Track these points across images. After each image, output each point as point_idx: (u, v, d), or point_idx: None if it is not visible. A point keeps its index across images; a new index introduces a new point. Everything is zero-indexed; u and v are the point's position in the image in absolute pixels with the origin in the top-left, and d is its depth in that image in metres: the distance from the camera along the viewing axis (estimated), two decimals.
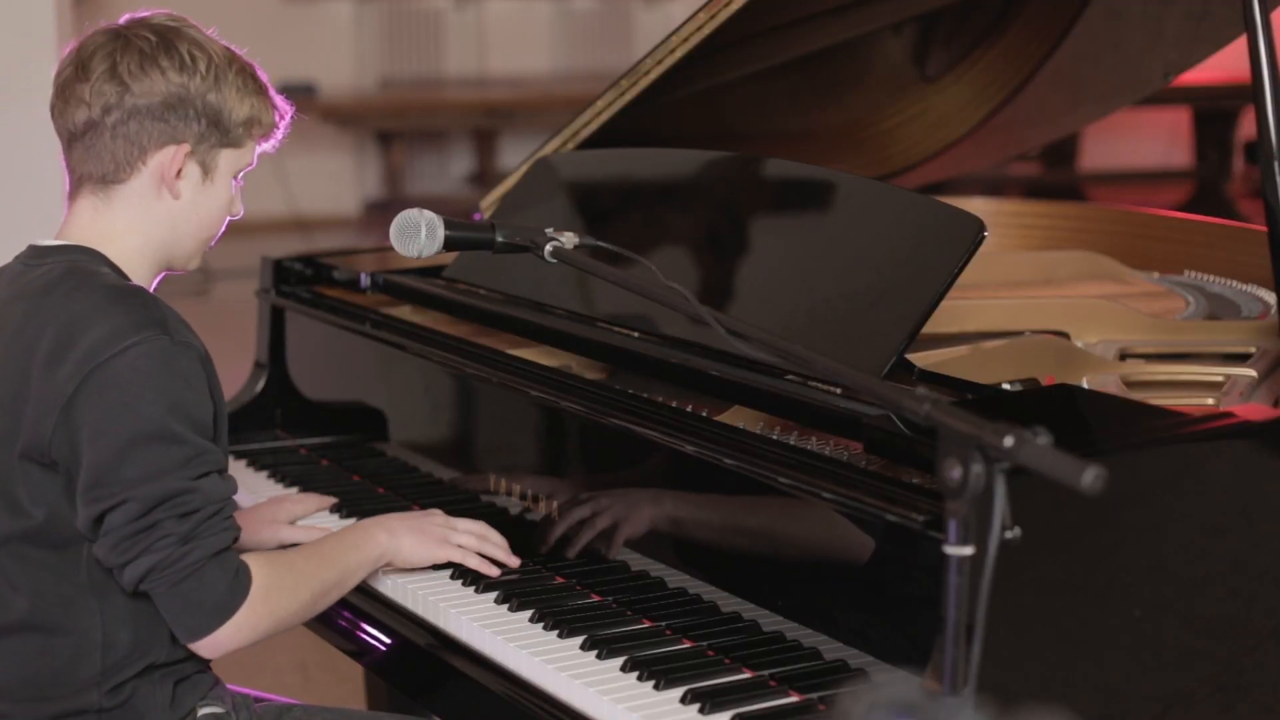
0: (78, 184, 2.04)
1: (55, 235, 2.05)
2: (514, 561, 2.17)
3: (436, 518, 2.20)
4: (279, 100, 2.11)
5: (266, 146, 2.11)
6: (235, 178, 2.08)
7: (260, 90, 2.06)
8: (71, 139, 2.02)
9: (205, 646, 1.93)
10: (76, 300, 1.93)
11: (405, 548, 2.14)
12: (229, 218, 2.10)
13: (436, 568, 2.19)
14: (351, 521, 2.37)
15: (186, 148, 2.00)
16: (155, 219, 2.03)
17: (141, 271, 2.04)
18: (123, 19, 2.03)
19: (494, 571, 2.15)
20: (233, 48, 2.06)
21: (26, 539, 1.94)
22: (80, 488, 1.89)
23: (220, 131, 2.01)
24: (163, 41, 1.99)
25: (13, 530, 1.94)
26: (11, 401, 1.94)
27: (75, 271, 1.97)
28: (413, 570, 2.19)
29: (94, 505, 1.88)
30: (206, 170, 2.03)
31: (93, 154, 2.00)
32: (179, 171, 2.00)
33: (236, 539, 1.94)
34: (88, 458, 1.88)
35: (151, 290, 2.03)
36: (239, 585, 1.91)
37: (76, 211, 2.04)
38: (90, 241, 2.01)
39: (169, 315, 1.94)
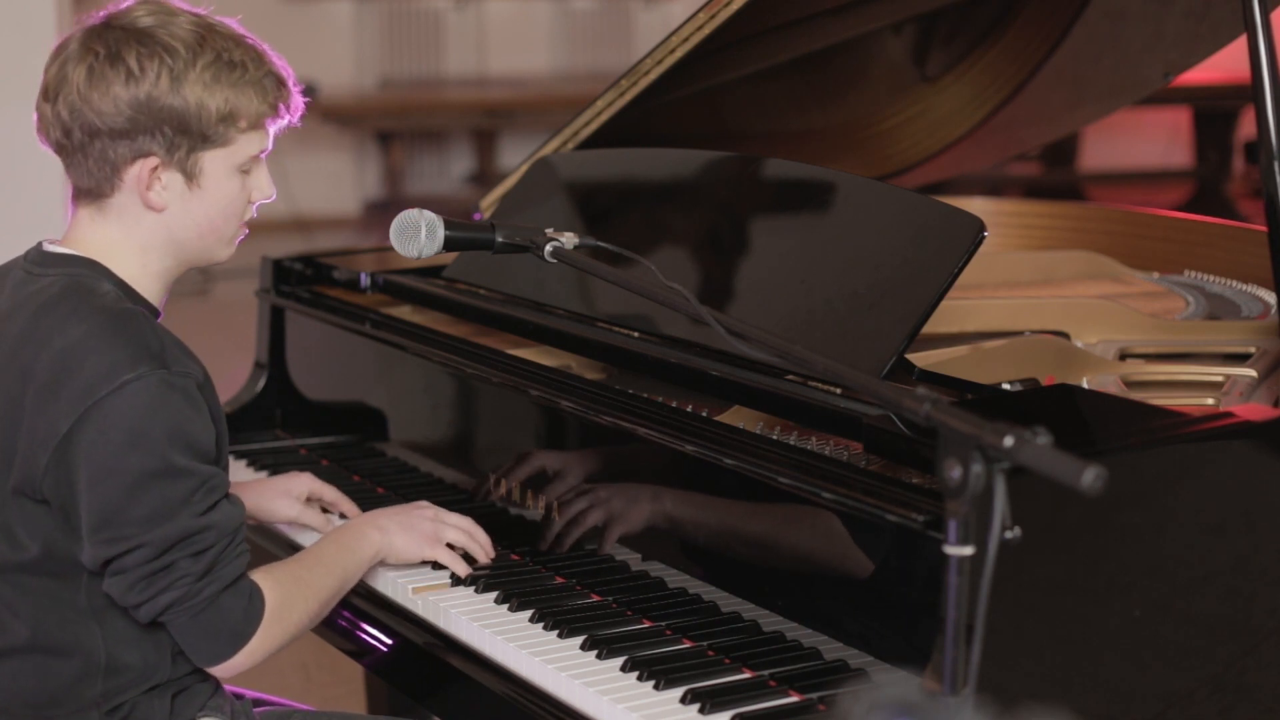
0: (75, 194, 1.98)
1: (62, 238, 2.00)
2: (485, 561, 2.18)
3: (426, 511, 2.20)
4: (283, 73, 1.97)
5: (282, 124, 1.98)
6: (248, 168, 1.96)
7: (240, 79, 1.91)
8: (57, 153, 1.97)
9: (221, 669, 1.93)
10: (73, 327, 1.87)
11: (398, 545, 2.15)
12: (259, 202, 2.00)
13: (436, 567, 2.19)
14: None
15: (154, 160, 1.91)
16: (149, 229, 1.95)
17: (149, 281, 1.97)
18: (100, 14, 1.93)
19: (470, 569, 2.16)
20: (214, 29, 1.92)
21: (23, 569, 1.92)
22: (87, 529, 1.85)
23: (192, 135, 1.90)
24: (110, 52, 1.88)
25: (9, 561, 1.92)
26: (5, 431, 1.90)
27: (75, 290, 1.91)
28: (413, 570, 2.19)
29: (105, 548, 1.85)
30: (190, 176, 1.92)
31: (75, 171, 1.95)
32: (150, 184, 1.91)
33: (248, 562, 1.93)
34: (91, 499, 1.84)
35: (163, 297, 1.99)
36: (254, 610, 1.91)
37: (77, 221, 1.99)
38: (93, 252, 1.95)
39: (167, 343, 1.89)
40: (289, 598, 1.96)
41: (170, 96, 1.88)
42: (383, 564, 2.17)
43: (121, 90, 1.88)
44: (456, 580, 2.16)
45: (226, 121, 1.91)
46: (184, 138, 1.90)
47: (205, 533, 1.86)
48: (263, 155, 1.99)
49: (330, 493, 2.38)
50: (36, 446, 1.86)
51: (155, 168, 1.91)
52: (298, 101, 2.00)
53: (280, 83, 1.97)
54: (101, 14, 1.94)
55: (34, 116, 1.98)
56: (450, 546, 2.18)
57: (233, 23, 1.97)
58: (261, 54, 1.96)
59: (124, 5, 1.95)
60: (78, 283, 1.93)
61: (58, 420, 1.84)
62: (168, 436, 1.84)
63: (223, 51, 1.91)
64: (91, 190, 1.95)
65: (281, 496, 2.34)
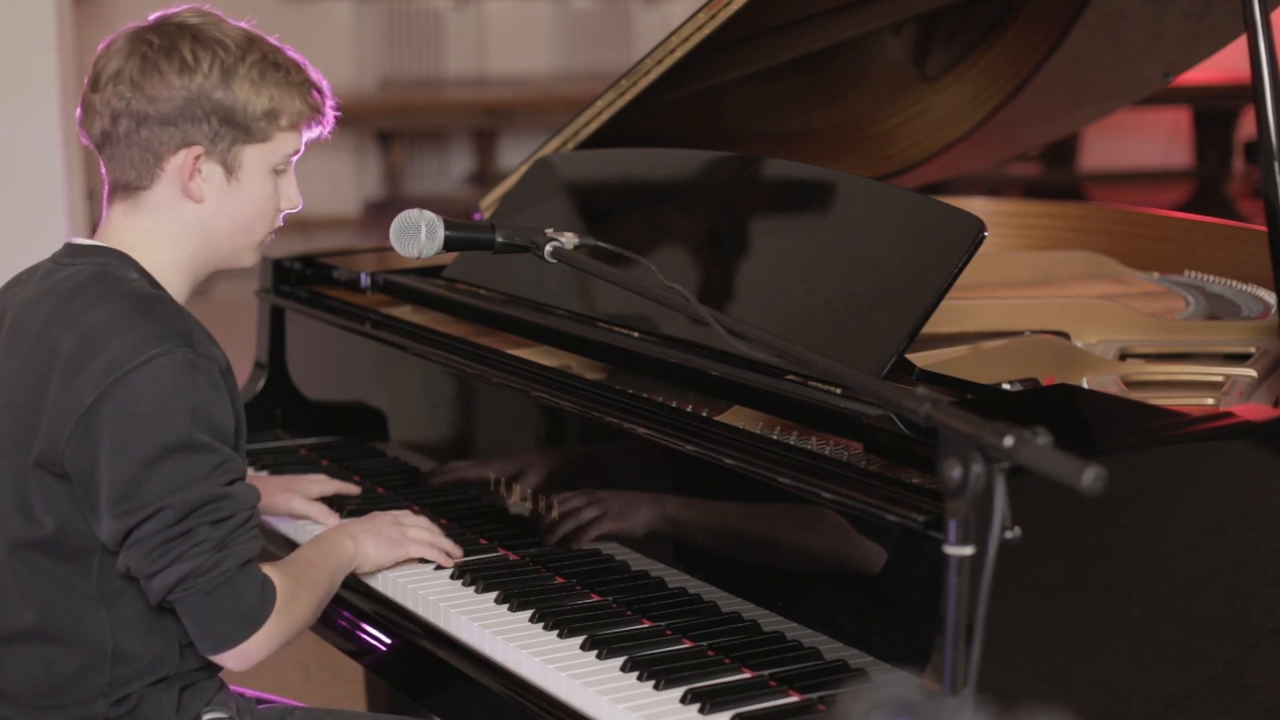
0: (112, 190, 2.02)
1: (95, 234, 2.04)
2: (458, 552, 2.22)
3: (386, 517, 2.23)
4: (322, 84, 2.04)
5: (317, 132, 2.04)
6: (281, 170, 2.02)
7: (285, 79, 1.99)
8: (98, 148, 2.00)
9: (235, 657, 1.92)
10: (100, 308, 1.90)
11: (369, 552, 2.17)
12: (287, 210, 2.06)
13: (437, 568, 2.19)
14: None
15: (199, 149, 1.96)
16: (184, 224, 1.99)
17: (176, 277, 2.00)
18: (150, 18, 2.00)
19: (450, 562, 2.19)
20: (261, 36, 2.00)
21: (37, 547, 1.92)
22: (106, 502, 1.86)
23: (236, 129, 1.96)
24: (165, 44, 1.95)
25: (24, 537, 1.93)
26: (30, 408, 1.92)
27: (102, 276, 1.95)
28: (413, 570, 2.19)
29: (124, 519, 1.86)
30: (230, 169, 1.98)
31: (115, 163, 1.99)
32: (193, 174, 1.97)
33: (260, 549, 1.93)
34: (111, 472, 1.85)
35: (187, 295, 2.01)
36: (267, 594, 1.91)
37: (111, 217, 2.02)
38: (123, 245, 1.99)
39: (193, 326, 1.92)
40: (295, 588, 1.97)
41: (220, 90, 1.95)
42: (356, 571, 2.18)
43: (175, 79, 1.94)
44: (456, 579, 2.16)
45: (269, 118, 1.98)
46: (228, 129, 1.96)
47: (225, 501, 1.87)
48: (295, 158, 2.04)
49: (329, 487, 2.43)
50: (60, 419, 1.88)
51: (198, 156, 1.96)
52: (331, 113, 2.06)
53: (319, 91, 2.04)
54: (151, 18, 2.00)
55: (77, 112, 2.02)
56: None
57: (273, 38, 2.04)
58: (302, 64, 2.03)
59: (172, 10, 2.01)
60: (105, 270, 1.96)
61: (82, 393, 1.87)
62: (191, 413, 1.86)
63: (268, 53, 1.99)
64: (130, 183, 1.99)
65: (281, 492, 2.37)
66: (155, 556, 1.86)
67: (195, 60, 1.95)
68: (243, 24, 2.02)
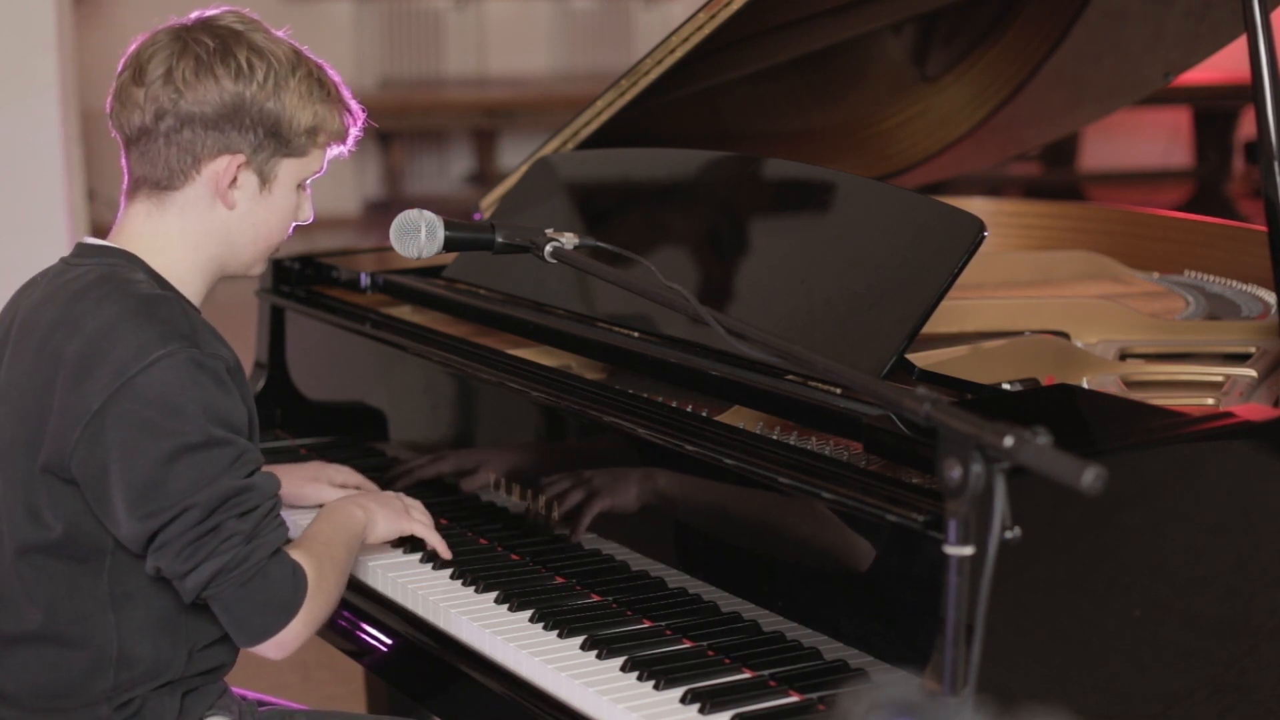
0: (135, 186, 2.00)
1: (110, 233, 2.03)
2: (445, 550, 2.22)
3: (389, 492, 2.25)
4: (352, 104, 2.07)
5: (339, 151, 2.07)
6: (304, 185, 2.04)
7: (327, 97, 2.01)
8: (128, 142, 1.98)
9: (273, 647, 1.91)
10: (105, 310, 1.89)
11: (379, 522, 2.16)
12: (296, 223, 2.06)
13: (437, 568, 2.19)
14: None
15: (241, 158, 1.96)
16: (209, 228, 1.99)
17: (191, 279, 2.00)
18: (191, 17, 1.99)
19: (447, 551, 2.19)
20: (304, 51, 2.01)
21: (46, 550, 1.92)
22: (124, 505, 1.85)
23: (279, 141, 1.97)
24: (221, 47, 1.94)
25: (32, 540, 1.92)
26: (36, 411, 1.91)
27: (109, 278, 1.94)
28: (413, 570, 2.19)
29: (148, 521, 1.85)
30: (264, 180, 1.99)
31: (147, 160, 1.97)
32: (233, 181, 1.97)
33: (286, 536, 1.93)
34: (125, 476, 1.84)
35: (202, 297, 2.01)
36: (299, 580, 1.91)
37: (131, 214, 2.01)
38: (138, 245, 1.98)
39: (199, 326, 1.91)
40: (321, 569, 1.96)
41: (271, 100, 1.95)
42: (363, 542, 2.17)
43: (230, 84, 1.94)
44: (456, 579, 2.16)
45: (310, 134, 2.00)
46: (271, 141, 1.97)
47: (249, 493, 1.87)
48: (318, 175, 2.06)
49: (352, 478, 2.42)
50: (67, 425, 1.87)
51: (240, 165, 1.96)
52: (355, 134, 2.08)
53: (352, 113, 2.07)
54: (191, 17, 1.99)
55: (108, 102, 2.00)
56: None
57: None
58: (339, 85, 2.05)
59: (212, 11, 2.00)
60: (112, 271, 1.95)
61: (89, 398, 1.86)
62: (203, 410, 1.86)
63: (313, 70, 2.01)
64: (158, 182, 1.98)
65: (309, 483, 2.37)
66: (186, 556, 1.85)
67: (250, 68, 1.94)
68: (280, 34, 2.02)
